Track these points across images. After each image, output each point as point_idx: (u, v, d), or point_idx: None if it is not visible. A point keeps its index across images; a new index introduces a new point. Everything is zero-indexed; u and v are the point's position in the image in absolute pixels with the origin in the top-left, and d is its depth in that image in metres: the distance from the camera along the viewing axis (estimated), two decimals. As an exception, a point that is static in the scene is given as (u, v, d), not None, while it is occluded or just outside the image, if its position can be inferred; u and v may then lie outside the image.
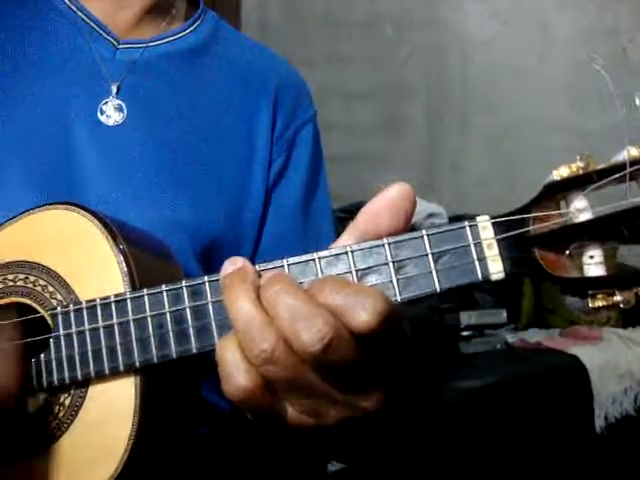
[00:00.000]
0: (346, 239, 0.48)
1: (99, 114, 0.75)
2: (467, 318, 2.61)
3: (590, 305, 0.44)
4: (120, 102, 0.76)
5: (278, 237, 0.82)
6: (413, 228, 0.48)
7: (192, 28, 0.83)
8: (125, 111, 0.76)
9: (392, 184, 0.46)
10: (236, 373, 0.44)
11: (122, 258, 0.55)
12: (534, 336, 2.83)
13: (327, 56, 3.52)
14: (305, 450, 0.76)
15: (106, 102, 0.75)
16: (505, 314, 2.70)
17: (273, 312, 0.44)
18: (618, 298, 0.44)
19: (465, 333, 2.61)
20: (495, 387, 2.29)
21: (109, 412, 0.53)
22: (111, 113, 0.75)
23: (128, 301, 0.53)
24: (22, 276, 0.58)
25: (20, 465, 0.56)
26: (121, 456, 0.52)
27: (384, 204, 0.47)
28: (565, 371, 2.48)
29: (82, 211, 0.59)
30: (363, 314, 0.42)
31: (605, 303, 0.44)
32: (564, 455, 2.33)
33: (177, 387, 0.57)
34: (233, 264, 0.47)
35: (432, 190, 3.40)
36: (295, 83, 0.88)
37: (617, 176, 0.43)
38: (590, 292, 0.45)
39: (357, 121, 3.52)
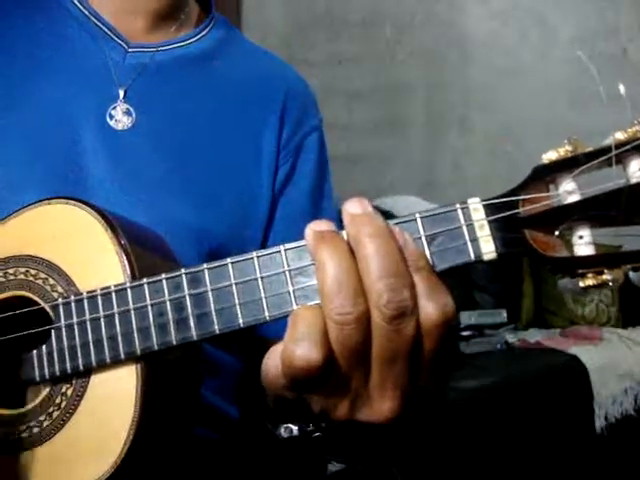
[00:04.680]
0: None
1: (108, 119, 0.75)
2: (467, 318, 2.61)
3: (580, 284, 0.45)
4: (128, 106, 0.76)
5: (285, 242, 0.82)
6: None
7: (202, 34, 0.84)
8: (134, 115, 0.76)
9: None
10: (308, 340, 0.44)
11: (122, 251, 0.55)
12: (534, 336, 2.83)
13: (327, 56, 3.53)
14: (309, 450, 0.76)
15: (114, 107, 0.75)
16: (505, 314, 2.71)
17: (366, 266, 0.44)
18: (607, 277, 0.45)
19: (465, 333, 2.61)
20: (495, 387, 2.30)
21: (111, 400, 0.53)
22: (120, 117, 0.75)
23: (128, 290, 0.53)
24: (23, 269, 0.58)
25: (23, 455, 0.55)
26: (123, 444, 0.52)
27: None
28: (565, 371, 2.48)
29: (82, 204, 0.58)
30: (433, 311, 0.44)
31: (595, 282, 0.45)
32: (564, 455, 2.33)
33: (178, 376, 0.57)
34: (317, 225, 0.48)
35: (432, 190, 3.40)
36: (302, 92, 0.89)
37: (603, 159, 0.44)
38: (580, 271, 0.45)
39: (357, 121, 3.52)
